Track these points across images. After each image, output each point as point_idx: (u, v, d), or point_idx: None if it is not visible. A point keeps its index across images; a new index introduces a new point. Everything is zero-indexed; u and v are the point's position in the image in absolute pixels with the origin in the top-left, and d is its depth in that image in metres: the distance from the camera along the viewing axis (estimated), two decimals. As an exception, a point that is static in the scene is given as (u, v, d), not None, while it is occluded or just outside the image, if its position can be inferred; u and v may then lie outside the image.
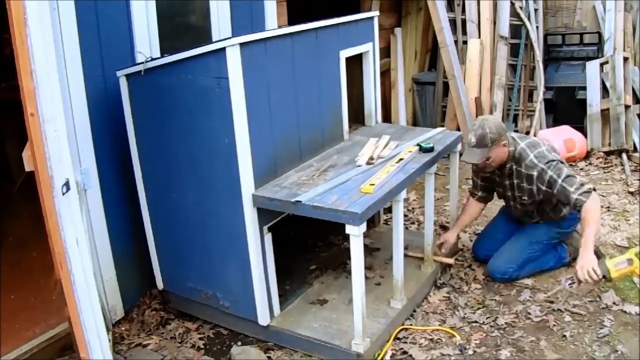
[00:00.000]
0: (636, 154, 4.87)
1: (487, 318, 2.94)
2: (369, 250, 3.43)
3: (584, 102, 5.18)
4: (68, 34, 2.60)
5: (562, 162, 2.99)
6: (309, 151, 2.96)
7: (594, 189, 2.88)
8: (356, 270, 2.47)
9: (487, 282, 3.27)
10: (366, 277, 2.75)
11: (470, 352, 2.69)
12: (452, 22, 5.41)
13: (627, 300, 2.98)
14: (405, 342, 2.78)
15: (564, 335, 2.76)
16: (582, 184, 2.88)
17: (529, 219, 3.28)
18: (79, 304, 2.01)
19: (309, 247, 3.56)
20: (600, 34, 5.57)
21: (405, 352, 2.70)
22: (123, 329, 2.97)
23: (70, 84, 2.63)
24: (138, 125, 2.81)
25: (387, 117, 5.69)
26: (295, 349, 2.76)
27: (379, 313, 2.85)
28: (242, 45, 2.40)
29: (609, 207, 4.07)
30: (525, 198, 3.13)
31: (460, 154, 3.27)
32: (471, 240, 3.73)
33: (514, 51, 5.37)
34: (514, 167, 3.09)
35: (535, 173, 3.00)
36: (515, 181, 3.14)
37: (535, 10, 5.46)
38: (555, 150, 3.10)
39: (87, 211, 2.74)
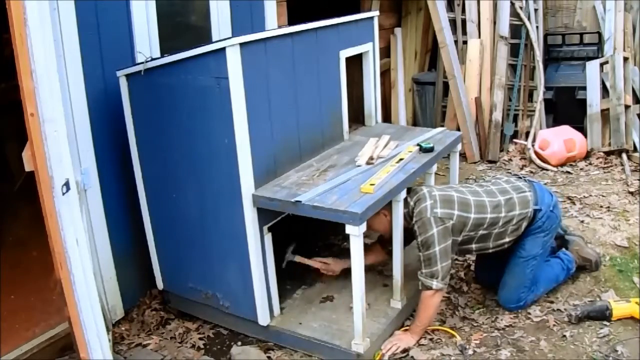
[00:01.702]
0: (636, 154, 4.87)
1: (487, 318, 2.94)
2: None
3: (584, 102, 5.17)
4: (68, 34, 2.60)
5: (439, 225, 2.65)
6: (309, 151, 2.96)
7: (444, 279, 2.67)
8: (356, 270, 2.47)
9: (487, 282, 3.27)
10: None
11: (470, 352, 2.69)
12: (452, 22, 5.41)
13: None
14: (405, 342, 2.79)
15: (564, 335, 2.76)
16: (435, 273, 2.64)
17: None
18: (79, 304, 2.01)
19: (309, 247, 3.56)
20: (600, 34, 5.57)
21: (405, 352, 2.70)
22: (123, 329, 2.97)
23: (70, 84, 2.63)
24: (138, 125, 2.81)
25: (387, 117, 5.69)
26: (295, 349, 2.76)
27: (379, 313, 2.85)
28: (242, 45, 2.40)
29: (609, 207, 4.07)
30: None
31: (461, 154, 3.25)
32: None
33: (514, 51, 5.37)
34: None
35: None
36: None
37: (535, 10, 5.45)
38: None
39: (87, 211, 2.74)
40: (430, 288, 2.66)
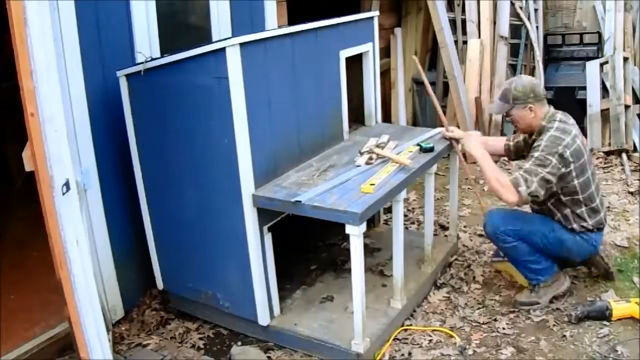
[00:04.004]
0: (636, 154, 4.87)
1: (487, 318, 2.94)
2: (369, 250, 3.43)
3: (584, 102, 5.18)
4: (68, 34, 2.60)
5: (560, 160, 2.71)
6: (309, 151, 2.96)
7: (530, 195, 2.70)
8: (356, 270, 2.47)
9: (486, 282, 3.27)
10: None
11: (470, 352, 2.69)
12: (452, 22, 5.41)
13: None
14: (406, 342, 2.79)
15: (564, 335, 2.76)
16: (528, 184, 2.68)
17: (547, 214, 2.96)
18: (79, 304, 2.01)
19: (309, 247, 3.56)
20: (600, 34, 5.58)
21: (405, 352, 2.70)
22: (123, 329, 2.97)
23: (70, 84, 2.63)
24: (138, 125, 2.81)
25: (387, 117, 5.69)
26: (295, 349, 2.76)
27: (379, 313, 2.85)
28: (242, 45, 2.40)
29: (609, 207, 4.07)
30: None
31: (462, 154, 3.27)
32: (471, 240, 3.73)
33: (514, 51, 5.38)
34: (536, 140, 2.87)
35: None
36: None
37: (535, 10, 5.46)
38: (577, 150, 2.78)
39: (87, 211, 2.74)
40: (517, 187, 2.71)
